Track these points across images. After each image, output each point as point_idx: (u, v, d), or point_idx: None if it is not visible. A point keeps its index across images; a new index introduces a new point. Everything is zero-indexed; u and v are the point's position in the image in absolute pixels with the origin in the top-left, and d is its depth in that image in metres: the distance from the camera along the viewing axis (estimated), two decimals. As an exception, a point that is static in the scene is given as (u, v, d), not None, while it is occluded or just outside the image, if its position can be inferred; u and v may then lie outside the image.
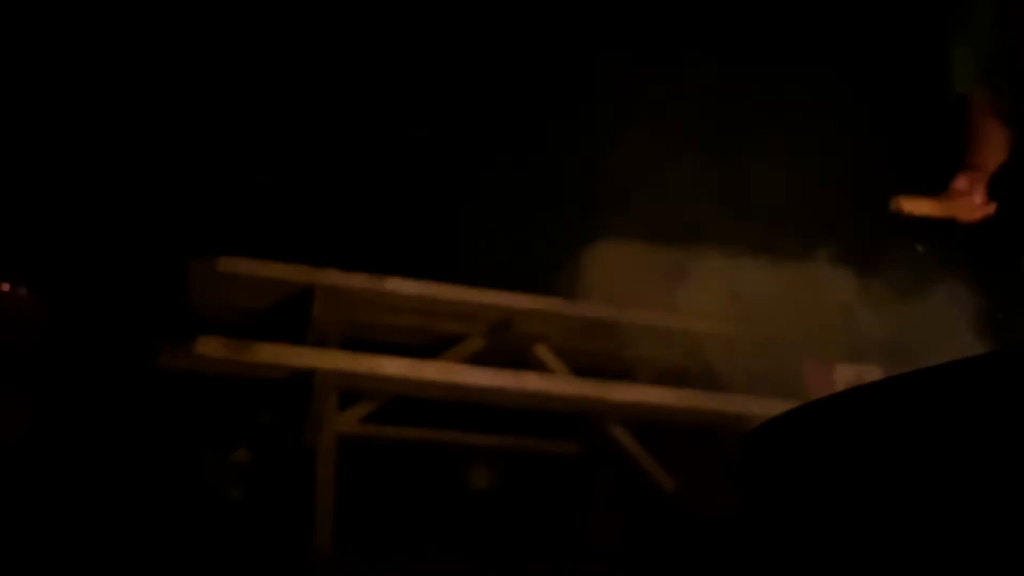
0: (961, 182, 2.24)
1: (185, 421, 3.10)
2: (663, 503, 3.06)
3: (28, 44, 4.01)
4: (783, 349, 3.07)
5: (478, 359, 3.01)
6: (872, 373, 2.65)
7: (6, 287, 3.23)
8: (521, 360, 3.01)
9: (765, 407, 2.41)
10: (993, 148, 2.33)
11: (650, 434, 3.12)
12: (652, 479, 3.08)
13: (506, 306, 3.03)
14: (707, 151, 2.90)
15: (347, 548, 2.65)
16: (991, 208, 2.25)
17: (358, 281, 2.91)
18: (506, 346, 3.08)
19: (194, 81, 3.96)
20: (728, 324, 2.91)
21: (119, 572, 2.65)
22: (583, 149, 3.10)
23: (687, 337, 3.06)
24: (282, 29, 3.20)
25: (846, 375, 2.85)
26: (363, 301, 2.97)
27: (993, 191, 2.27)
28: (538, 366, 3.00)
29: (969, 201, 2.25)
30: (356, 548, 2.71)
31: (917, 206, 2.27)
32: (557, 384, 2.95)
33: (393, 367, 2.79)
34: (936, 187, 2.22)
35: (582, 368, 3.06)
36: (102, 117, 4.05)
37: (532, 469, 3.39)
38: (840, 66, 3.18)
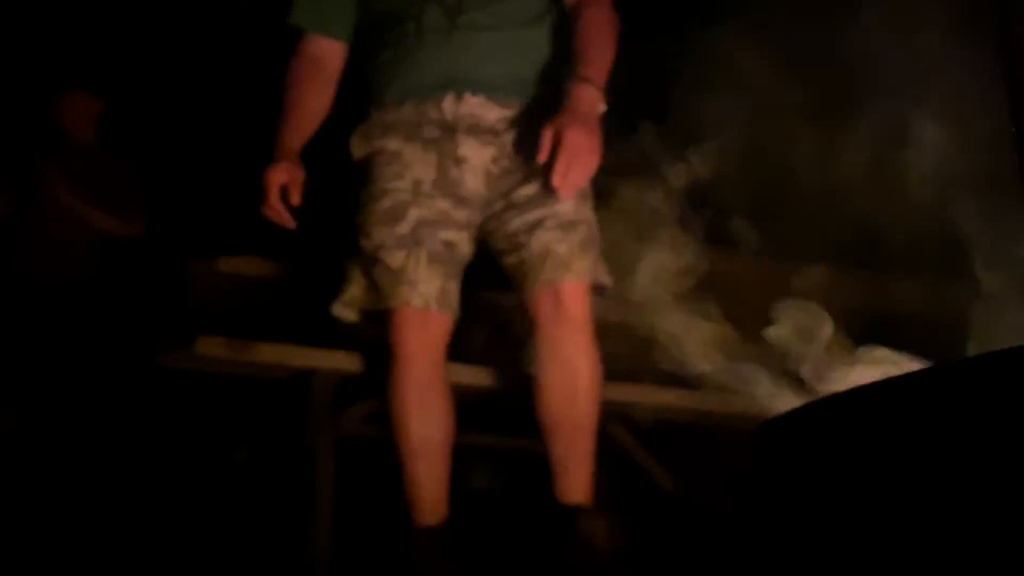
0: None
1: (185, 421, 3.10)
2: (663, 503, 3.06)
3: (28, 44, 4.00)
4: (783, 349, 3.07)
5: (478, 359, 3.01)
6: (872, 373, 2.65)
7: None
8: (521, 360, 3.00)
9: (765, 407, 2.42)
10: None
11: (650, 434, 3.12)
12: (652, 479, 3.08)
13: (506, 306, 3.03)
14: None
15: (347, 548, 2.65)
16: None
17: (358, 281, 2.91)
18: (506, 346, 3.08)
19: (194, 81, 3.96)
20: (728, 324, 2.91)
21: (118, 572, 2.65)
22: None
23: (687, 337, 3.06)
24: (282, 28, 3.19)
25: (846, 375, 2.84)
26: (363, 301, 2.96)
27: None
28: (538, 366, 3.00)
29: None
30: (356, 548, 2.71)
31: None
32: (557, 384, 2.94)
33: (394, 367, 2.79)
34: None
35: (582, 368, 3.05)
36: (102, 116, 4.05)
37: (532, 469, 3.38)
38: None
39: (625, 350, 3.21)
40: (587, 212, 2.40)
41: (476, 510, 3.16)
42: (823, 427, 1.10)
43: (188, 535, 2.80)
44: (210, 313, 3.00)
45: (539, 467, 3.43)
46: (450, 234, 2.39)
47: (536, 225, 2.35)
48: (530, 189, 2.37)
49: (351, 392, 2.85)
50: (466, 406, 3.04)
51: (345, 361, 2.78)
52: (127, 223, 3.85)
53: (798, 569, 1.06)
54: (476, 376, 2.85)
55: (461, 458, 3.37)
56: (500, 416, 3.17)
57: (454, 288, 2.41)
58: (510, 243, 2.41)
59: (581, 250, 2.35)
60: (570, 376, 2.37)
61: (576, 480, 2.39)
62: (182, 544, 2.77)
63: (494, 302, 3.04)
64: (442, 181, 2.40)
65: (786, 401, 2.30)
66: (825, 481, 1.06)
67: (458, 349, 3.10)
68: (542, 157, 2.25)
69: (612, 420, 3.11)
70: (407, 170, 2.40)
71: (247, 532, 2.81)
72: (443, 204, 2.39)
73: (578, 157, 2.21)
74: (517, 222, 2.38)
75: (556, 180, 2.22)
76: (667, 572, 2.35)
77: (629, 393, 2.97)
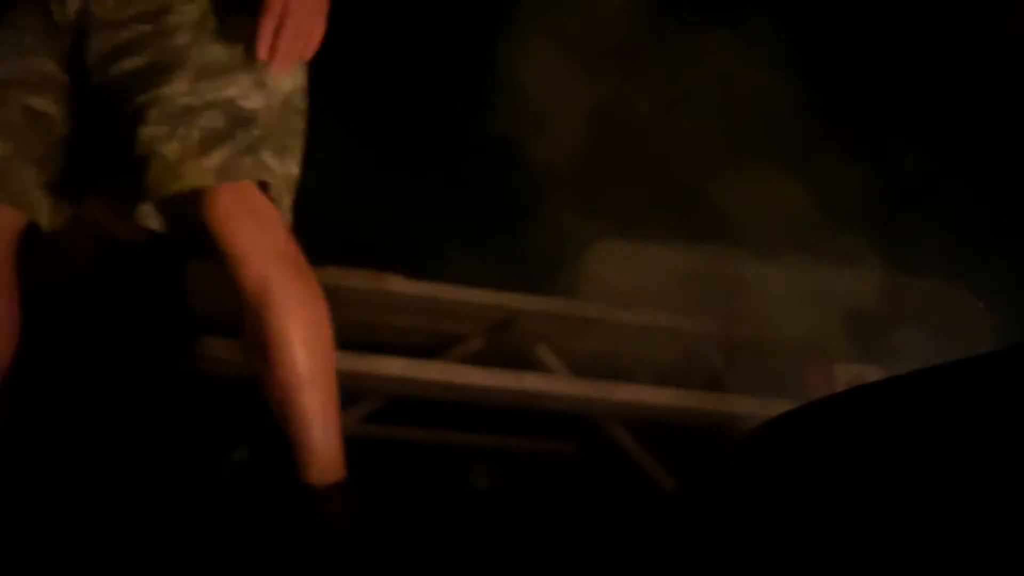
0: None
1: (186, 421, 3.10)
2: (663, 503, 3.06)
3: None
4: (783, 349, 3.08)
5: (478, 359, 3.01)
6: (872, 373, 2.65)
7: None
8: (521, 360, 3.01)
9: (765, 407, 2.42)
10: None
11: (650, 434, 3.12)
12: (652, 479, 3.08)
13: (506, 306, 3.03)
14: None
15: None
16: None
17: (358, 281, 2.91)
18: (506, 346, 3.08)
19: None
20: (728, 324, 2.92)
21: (118, 572, 2.65)
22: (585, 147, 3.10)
23: (687, 337, 3.06)
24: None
25: (846, 375, 2.85)
26: (363, 301, 2.96)
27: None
28: (538, 366, 3.00)
29: None
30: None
31: None
32: (557, 384, 2.95)
33: (393, 367, 2.79)
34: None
35: (582, 368, 3.06)
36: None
37: (532, 469, 3.39)
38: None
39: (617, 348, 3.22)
40: (221, 92, 1.68)
41: (476, 510, 3.17)
42: (820, 429, 1.10)
43: (188, 535, 2.80)
44: (210, 314, 3.01)
45: (539, 467, 3.44)
46: (41, 102, 1.74)
47: (138, 117, 1.65)
48: (135, 62, 1.68)
49: (351, 392, 2.86)
50: (466, 406, 3.04)
51: (345, 361, 2.78)
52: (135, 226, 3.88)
53: (794, 571, 1.07)
54: (476, 376, 2.86)
55: (461, 458, 3.39)
56: (500, 416, 3.17)
57: (29, 175, 1.73)
58: (119, 143, 1.71)
59: (201, 146, 1.65)
60: None
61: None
62: (182, 544, 2.77)
63: (492, 302, 3.05)
64: (48, 30, 1.74)
65: (783, 402, 2.30)
66: (822, 484, 1.06)
67: (458, 349, 3.12)
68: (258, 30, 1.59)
69: (612, 420, 3.11)
70: (17, 17, 1.77)
71: (247, 532, 2.81)
72: (47, 65, 1.74)
73: (294, 16, 1.58)
74: (120, 109, 1.69)
75: (261, 50, 1.58)
76: (666, 572, 2.34)
77: (629, 393, 2.97)
